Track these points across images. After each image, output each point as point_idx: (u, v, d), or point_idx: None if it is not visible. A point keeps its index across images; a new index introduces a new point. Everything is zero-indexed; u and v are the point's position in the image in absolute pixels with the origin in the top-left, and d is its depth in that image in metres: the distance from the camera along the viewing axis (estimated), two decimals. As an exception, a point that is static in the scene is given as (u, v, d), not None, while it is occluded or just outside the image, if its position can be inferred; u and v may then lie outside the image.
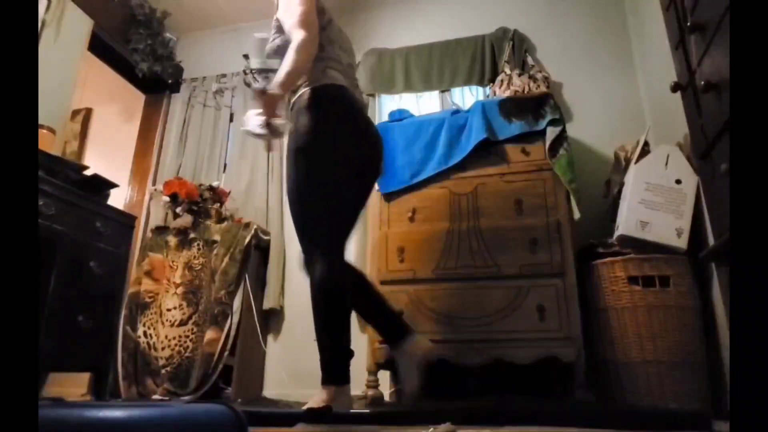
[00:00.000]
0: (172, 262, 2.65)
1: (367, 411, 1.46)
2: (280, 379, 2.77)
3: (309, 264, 1.51)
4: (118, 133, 3.92)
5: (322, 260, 1.47)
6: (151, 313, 2.58)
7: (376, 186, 2.32)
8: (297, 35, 1.51)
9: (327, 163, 1.51)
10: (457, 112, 2.35)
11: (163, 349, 2.49)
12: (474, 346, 1.93)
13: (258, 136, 1.53)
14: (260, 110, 1.49)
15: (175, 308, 2.55)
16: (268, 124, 1.49)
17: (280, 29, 1.65)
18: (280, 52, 1.60)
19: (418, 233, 2.15)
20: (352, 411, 1.39)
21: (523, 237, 2.01)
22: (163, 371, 2.44)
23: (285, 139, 1.66)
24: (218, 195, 2.88)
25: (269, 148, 1.67)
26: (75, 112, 3.91)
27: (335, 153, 1.52)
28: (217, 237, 2.65)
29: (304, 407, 1.34)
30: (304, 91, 1.58)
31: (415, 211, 2.18)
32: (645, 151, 2.08)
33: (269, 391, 2.74)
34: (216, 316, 2.49)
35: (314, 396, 1.39)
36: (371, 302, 1.66)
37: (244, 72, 3.38)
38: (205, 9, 3.57)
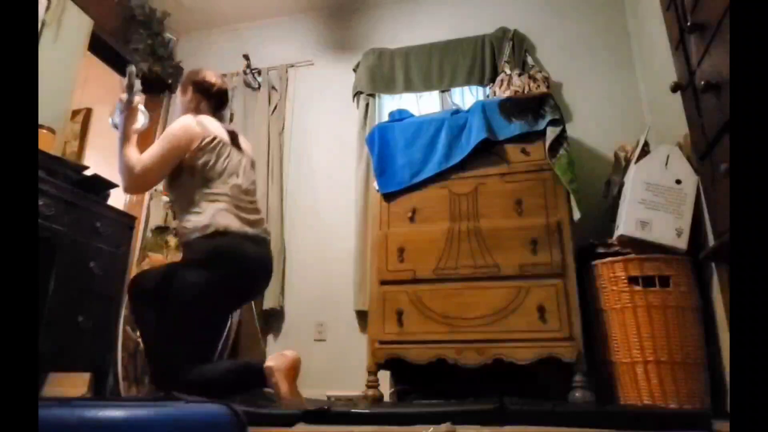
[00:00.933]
0: (172, 262, 2.64)
1: (367, 411, 1.45)
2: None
3: (172, 380, 1.53)
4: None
5: (191, 368, 1.52)
6: (151, 313, 2.57)
7: (376, 186, 2.33)
8: (137, 166, 1.60)
9: (200, 315, 1.59)
10: (457, 112, 2.35)
11: (163, 349, 2.48)
12: (474, 346, 1.93)
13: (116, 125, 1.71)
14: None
15: (175, 308, 2.55)
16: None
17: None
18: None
19: (418, 233, 2.15)
20: (352, 411, 1.39)
21: (523, 237, 2.01)
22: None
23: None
24: (218, 195, 2.88)
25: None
26: (75, 112, 3.90)
27: (211, 305, 1.61)
28: (217, 237, 2.65)
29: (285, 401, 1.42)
30: (193, 237, 1.60)
31: (415, 211, 2.18)
32: (645, 151, 2.08)
33: (269, 391, 2.74)
34: (216, 316, 2.49)
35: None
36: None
37: (244, 72, 3.39)
38: (205, 9, 3.57)
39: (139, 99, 1.70)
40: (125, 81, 1.69)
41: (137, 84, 1.69)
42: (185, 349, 1.54)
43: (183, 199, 1.67)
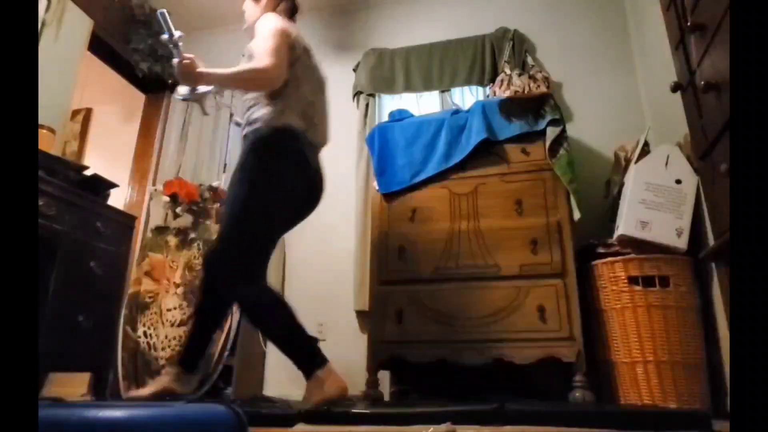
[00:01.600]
0: (172, 262, 2.65)
1: (367, 411, 1.45)
2: (280, 379, 2.77)
3: (229, 292, 1.54)
4: (118, 133, 3.92)
5: (241, 282, 1.51)
6: (151, 313, 2.57)
7: (376, 186, 2.33)
8: (260, 62, 1.55)
9: (262, 205, 1.56)
10: (457, 112, 2.35)
11: (163, 349, 2.49)
12: (474, 346, 1.93)
13: (185, 99, 1.65)
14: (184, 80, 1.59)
15: (175, 308, 2.55)
16: (193, 90, 1.61)
17: (250, 59, 1.66)
18: None
19: (418, 233, 2.15)
20: (352, 411, 1.39)
21: (523, 237, 2.01)
22: (163, 371, 2.44)
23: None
24: (218, 195, 2.88)
25: (204, 112, 1.76)
26: (75, 112, 3.91)
27: (270, 196, 1.57)
28: (217, 237, 2.65)
29: (303, 409, 1.35)
30: (258, 127, 1.61)
31: (415, 211, 2.18)
32: (645, 151, 2.08)
33: (269, 391, 2.74)
34: (216, 316, 2.49)
35: (305, 392, 1.43)
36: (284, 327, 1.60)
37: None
38: (205, 9, 3.57)
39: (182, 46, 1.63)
40: (165, 34, 1.62)
41: (175, 33, 1.61)
42: (245, 253, 1.52)
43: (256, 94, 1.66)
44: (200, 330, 1.67)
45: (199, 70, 1.57)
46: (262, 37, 1.61)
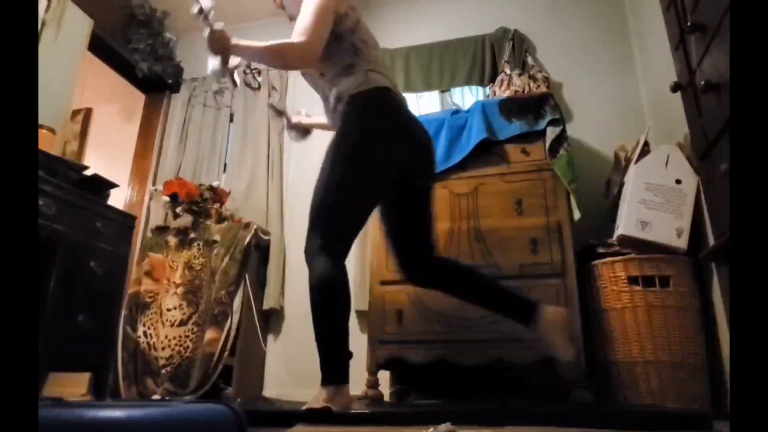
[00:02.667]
0: (172, 262, 2.65)
1: (367, 411, 1.45)
2: (280, 379, 2.77)
3: (311, 260, 1.50)
4: (118, 133, 3.92)
5: (327, 258, 1.46)
6: (151, 313, 2.58)
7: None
8: (296, 38, 1.48)
9: (362, 173, 1.50)
10: (457, 112, 2.35)
11: (163, 349, 2.49)
12: (474, 346, 1.93)
13: (214, 73, 1.58)
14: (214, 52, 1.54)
15: (175, 308, 2.55)
16: (223, 63, 1.55)
17: None
18: None
19: (418, 233, 2.15)
20: (352, 411, 1.39)
21: (523, 237, 2.01)
22: (163, 371, 2.44)
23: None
24: (218, 195, 2.88)
25: (234, 83, 1.68)
26: (75, 112, 3.91)
27: (374, 165, 1.51)
28: (217, 237, 2.65)
29: (304, 407, 1.34)
30: (348, 97, 1.54)
31: (415, 211, 2.18)
32: (645, 151, 2.08)
33: (269, 391, 2.74)
34: (216, 316, 2.49)
35: (313, 395, 1.39)
36: (480, 289, 1.64)
37: (244, 72, 3.38)
38: (205, 9, 3.56)
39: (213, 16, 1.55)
40: (197, 11, 1.52)
41: (204, 3, 1.52)
42: (333, 224, 1.49)
43: (333, 68, 1.58)
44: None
45: (230, 41, 1.52)
46: (302, 14, 1.53)
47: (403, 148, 1.57)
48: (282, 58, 1.51)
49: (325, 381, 1.40)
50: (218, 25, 1.51)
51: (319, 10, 1.50)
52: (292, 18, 1.69)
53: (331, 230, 1.50)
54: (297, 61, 1.51)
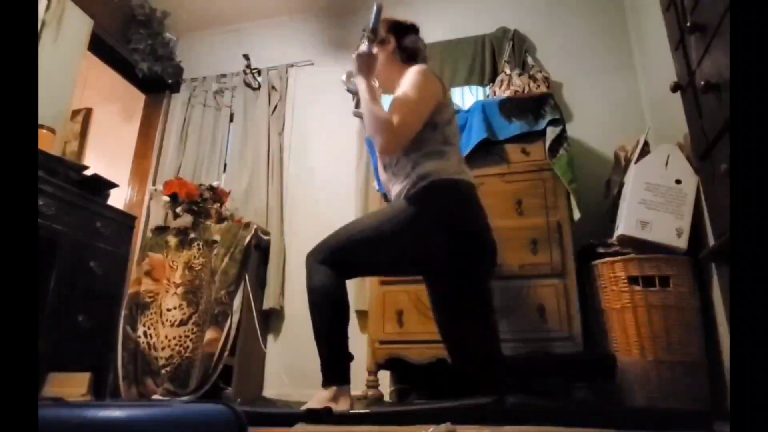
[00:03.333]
0: (172, 262, 2.65)
1: (367, 411, 1.45)
2: (280, 379, 2.77)
3: (311, 266, 1.51)
4: (118, 133, 3.93)
5: (321, 270, 1.48)
6: (151, 313, 2.58)
7: (376, 186, 2.32)
8: (393, 117, 1.45)
9: (411, 240, 1.48)
10: (457, 112, 2.35)
11: (163, 349, 2.49)
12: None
13: (348, 88, 1.67)
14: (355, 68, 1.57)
15: (175, 308, 2.55)
16: (352, 83, 1.60)
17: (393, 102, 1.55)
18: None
19: (418, 233, 2.15)
20: (352, 411, 1.39)
21: (523, 237, 2.01)
22: (163, 371, 2.44)
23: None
24: (218, 195, 2.88)
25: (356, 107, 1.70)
26: (75, 112, 3.91)
27: (423, 240, 1.48)
28: (217, 237, 2.65)
29: (304, 407, 1.34)
30: (438, 178, 1.49)
31: (415, 211, 2.18)
32: (645, 151, 2.08)
33: (269, 391, 2.74)
34: (216, 316, 2.49)
35: (314, 396, 1.39)
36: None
37: (244, 72, 3.39)
38: (205, 9, 3.57)
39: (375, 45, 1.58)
40: (371, 23, 1.53)
41: (378, 24, 1.54)
42: (347, 254, 1.50)
43: (420, 151, 1.53)
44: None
45: (370, 73, 1.54)
46: (408, 92, 1.49)
47: (463, 242, 1.51)
48: (377, 128, 1.46)
49: (327, 382, 1.41)
50: (368, 48, 1.54)
51: (425, 94, 1.50)
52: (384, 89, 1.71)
53: (342, 258, 1.51)
54: (387, 142, 1.47)
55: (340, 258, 1.50)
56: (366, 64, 1.55)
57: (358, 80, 1.55)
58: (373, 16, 1.54)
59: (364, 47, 1.54)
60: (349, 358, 1.46)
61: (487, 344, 1.55)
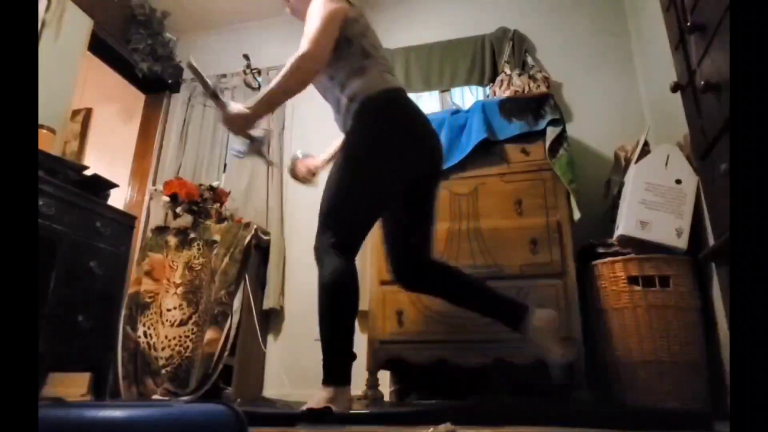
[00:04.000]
0: (172, 262, 2.65)
1: (367, 411, 1.45)
2: (280, 379, 2.77)
3: (322, 257, 1.51)
4: (118, 133, 3.93)
5: (338, 255, 1.46)
6: (151, 313, 2.58)
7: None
8: (301, 47, 1.47)
9: (376, 175, 1.49)
10: (457, 112, 2.35)
11: (163, 349, 2.49)
12: (474, 346, 1.93)
13: (241, 155, 1.51)
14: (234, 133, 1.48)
15: (175, 308, 2.55)
16: (250, 141, 1.47)
17: None
18: None
19: (418, 233, 2.15)
20: (352, 411, 1.39)
21: (523, 237, 2.01)
22: (163, 371, 2.44)
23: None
24: (218, 195, 2.88)
25: (268, 162, 1.64)
26: (75, 112, 3.91)
27: (387, 167, 1.50)
28: (217, 237, 2.65)
29: (304, 407, 1.34)
30: (364, 97, 1.52)
31: (415, 211, 2.18)
32: (645, 151, 2.08)
33: (269, 391, 2.74)
34: (216, 316, 2.49)
35: (314, 396, 1.39)
36: (470, 292, 1.63)
37: (244, 72, 3.39)
38: (205, 9, 3.57)
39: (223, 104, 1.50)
40: (202, 87, 1.48)
41: (209, 82, 1.48)
42: (344, 224, 1.49)
43: (343, 71, 1.56)
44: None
45: (246, 113, 1.45)
46: (308, 21, 1.53)
47: (417, 151, 1.56)
48: (296, 73, 1.47)
49: (327, 381, 1.39)
50: (233, 107, 1.47)
51: (325, 16, 1.51)
52: (295, 15, 1.71)
53: (342, 229, 1.49)
54: (310, 66, 1.49)
55: (345, 234, 1.49)
56: (236, 122, 1.47)
57: (253, 121, 1.48)
58: (197, 78, 1.48)
59: (219, 114, 1.49)
60: (353, 357, 1.45)
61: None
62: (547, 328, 1.52)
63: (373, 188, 1.51)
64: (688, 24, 1.30)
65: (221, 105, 1.46)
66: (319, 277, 1.48)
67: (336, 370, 1.41)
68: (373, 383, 2.06)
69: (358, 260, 2.71)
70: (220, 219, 2.80)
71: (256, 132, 1.48)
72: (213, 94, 1.48)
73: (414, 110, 1.58)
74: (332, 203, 1.51)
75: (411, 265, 1.65)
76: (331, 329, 1.44)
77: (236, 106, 1.47)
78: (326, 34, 1.51)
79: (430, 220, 1.67)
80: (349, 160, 1.51)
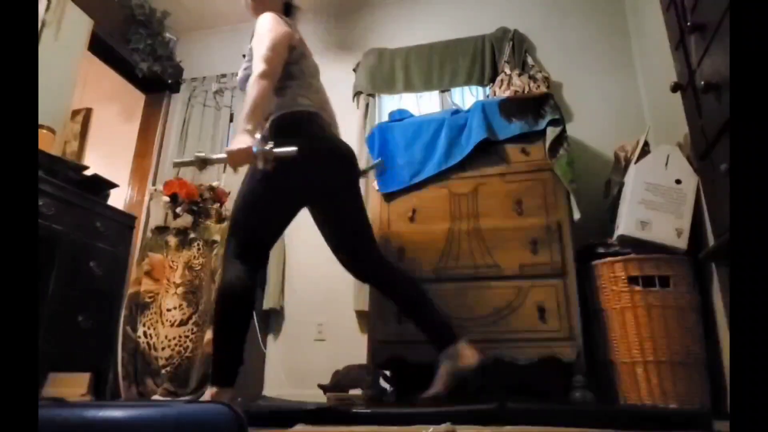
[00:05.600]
0: (172, 262, 2.65)
1: (367, 411, 1.45)
2: (280, 379, 2.77)
3: (226, 264, 1.59)
4: (118, 133, 3.92)
5: (240, 263, 1.55)
6: (151, 313, 2.57)
7: (376, 186, 2.32)
8: (256, 68, 1.56)
9: (272, 195, 1.58)
10: (457, 112, 2.35)
11: (163, 349, 2.49)
12: (474, 346, 1.92)
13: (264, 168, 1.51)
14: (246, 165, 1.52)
15: (175, 308, 2.55)
16: (272, 160, 1.45)
17: (251, 58, 1.68)
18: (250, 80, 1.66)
19: (418, 233, 2.15)
20: (352, 411, 1.39)
21: (523, 237, 2.01)
22: (163, 371, 2.44)
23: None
24: (218, 195, 2.88)
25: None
26: (75, 112, 3.91)
27: (283, 188, 1.58)
28: (217, 237, 2.65)
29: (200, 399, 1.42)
30: (273, 117, 1.63)
31: (415, 211, 2.18)
32: (645, 151, 2.08)
33: (269, 391, 2.74)
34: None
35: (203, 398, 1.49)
36: (418, 307, 1.72)
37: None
38: (205, 9, 3.57)
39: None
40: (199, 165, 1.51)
41: (200, 155, 1.52)
42: (247, 235, 1.59)
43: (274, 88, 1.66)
44: None
45: (240, 146, 1.43)
46: (258, 39, 1.63)
47: (317, 169, 1.62)
48: (260, 93, 1.52)
49: (213, 382, 1.50)
50: (219, 156, 1.49)
51: (275, 38, 1.61)
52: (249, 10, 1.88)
53: (245, 240, 1.59)
54: (264, 88, 1.54)
55: (248, 244, 1.58)
56: (239, 159, 1.46)
57: (250, 150, 1.45)
58: (194, 164, 1.52)
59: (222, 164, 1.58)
60: (238, 363, 1.54)
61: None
62: (464, 367, 1.62)
63: (271, 207, 1.61)
64: (688, 24, 1.30)
65: (218, 159, 1.50)
66: (218, 285, 1.58)
67: (219, 372, 1.51)
68: (373, 383, 2.06)
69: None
70: (220, 219, 2.80)
71: (280, 149, 1.46)
72: (210, 161, 1.52)
73: (316, 130, 1.65)
74: (237, 216, 1.62)
75: (356, 265, 1.75)
76: (220, 334, 1.54)
77: (226, 150, 1.47)
78: (278, 54, 1.61)
79: (359, 224, 1.75)
80: (253, 178, 1.60)
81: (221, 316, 1.54)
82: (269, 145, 1.43)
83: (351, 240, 1.74)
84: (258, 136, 1.56)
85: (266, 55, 1.57)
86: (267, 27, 1.64)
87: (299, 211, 1.72)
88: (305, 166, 1.55)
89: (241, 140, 1.44)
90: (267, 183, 1.56)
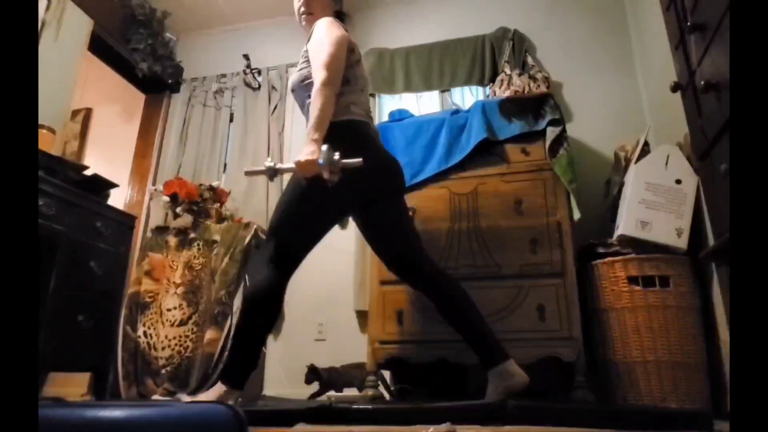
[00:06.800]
0: (172, 262, 2.65)
1: (367, 410, 1.45)
2: (280, 379, 2.77)
3: (262, 266, 1.60)
4: (118, 133, 3.92)
5: (272, 269, 1.57)
6: (151, 313, 2.57)
7: (376, 186, 2.32)
8: (319, 76, 1.54)
9: (317, 203, 1.57)
10: (457, 112, 2.35)
11: (163, 349, 2.49)
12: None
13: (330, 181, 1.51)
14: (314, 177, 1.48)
15: (175, 308, 2.55)
16: (340, 170, 1.44)
17: (308, 60, 1.67)
18: (305, 82, 1.66)
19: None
20: (352, 410, 1.39)
21: (523, 237, 2.01)
22: (163, 371, 2.44)
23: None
24: (218, 195, 2.88)
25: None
26: (75, 112, 3.91)
27: (328, 196, 1.55)
28: (217, 237, 2.65)
29: (185, 399, 1.43)
30: (331, 123, 1.57)
31: (415, 211, 2.18)
32: (645, 151, 2.08)
33: (269, 391, 2.74)
34: (216, 316, 2.49)
35: (208, 393, 1.49)
36: (465, 322, 1.65)
37: (244, 72, 3.39)
38: (205, 9, 3.57)
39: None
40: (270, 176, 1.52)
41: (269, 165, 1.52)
42: (286, 240, 1.59)
43: None
44: None
45: (308, 157, 1.43)
46: (318, 44, 1.61)
47: (365, 177, 1.57)
48: (324, 103, 1.51)
49: (224, 380, 1.50)
50: (288, 165, 1.50)
51: (335, 42, 1.60)
52: (304, 24, 1.85)
53: (283, 245, 1.59)
54: (329, 97, 1.53)
55: (285, 250, 1.58)
56: (308, 168, 1.46)
57: (317, 160, 1.44)
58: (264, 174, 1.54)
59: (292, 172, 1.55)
60: (252, 367, 1.55)
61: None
62: (510, 388, 1.54)
63: (314, 214, 1.60)
64: (688, 24, 1.30)
65: (287, 170, 1.52)
66: (247, 288, 1.61)
67: (233, 372, 1.52)
68: (373, 383, 2.06)
69: (360, 260, 2.73)
70: (220, 219, 2.80)
71: (348, 160, 1.45)
72: (280, 171, 1.54)
73: (369, 141, 1.64)
74: (279, 221, 1.61)
75: (401, 269, 1.71)
76: (241, 335, 1.55)
77: (295, 161, 1.47)
78: (339, 59, 1.59)
79: (402, 230, 1.73)
80: (298, 184, 1.57)
81: (245, 317, 1.54)
82: (336, 156, 1.41)
83: (400, 248, 1.70)
84: (331, 155, 1.47)
85: (327, 62, 1.55)
86: (325, 31, 1.63)
87: (341, 220, 1.71)
88: (364, 177, 1.52)
89: (309, 150, 1.44)
90: (315, 193, 1.53)
